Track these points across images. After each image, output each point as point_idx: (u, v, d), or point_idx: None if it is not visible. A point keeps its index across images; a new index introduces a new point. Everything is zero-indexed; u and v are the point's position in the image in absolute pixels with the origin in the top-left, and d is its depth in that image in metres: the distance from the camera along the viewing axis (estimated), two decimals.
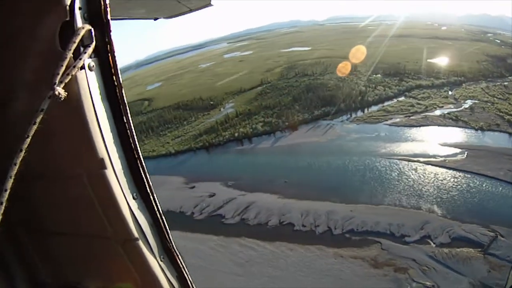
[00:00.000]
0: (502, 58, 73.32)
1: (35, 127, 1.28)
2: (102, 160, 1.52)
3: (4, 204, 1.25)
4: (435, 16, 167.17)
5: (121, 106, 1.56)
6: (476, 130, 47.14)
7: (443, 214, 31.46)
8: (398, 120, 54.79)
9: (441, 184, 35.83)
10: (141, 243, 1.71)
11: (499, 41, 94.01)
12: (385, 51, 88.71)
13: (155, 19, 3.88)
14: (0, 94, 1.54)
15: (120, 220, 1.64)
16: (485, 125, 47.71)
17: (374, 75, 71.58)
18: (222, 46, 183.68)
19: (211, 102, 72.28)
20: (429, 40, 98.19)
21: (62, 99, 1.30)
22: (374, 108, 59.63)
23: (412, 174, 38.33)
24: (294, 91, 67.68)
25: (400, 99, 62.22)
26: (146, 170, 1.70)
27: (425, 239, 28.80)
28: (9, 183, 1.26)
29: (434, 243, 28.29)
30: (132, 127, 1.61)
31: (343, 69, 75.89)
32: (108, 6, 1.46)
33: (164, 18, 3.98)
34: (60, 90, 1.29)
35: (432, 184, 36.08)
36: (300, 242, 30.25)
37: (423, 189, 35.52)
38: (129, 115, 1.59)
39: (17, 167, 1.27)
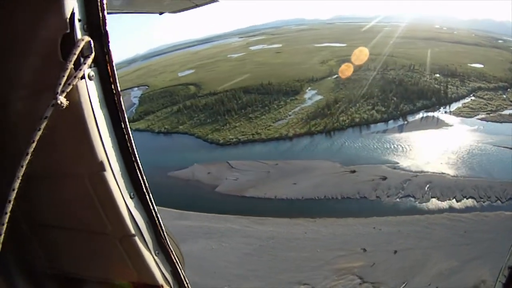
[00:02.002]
0: None
1: (39, 133, 1.37)
2: (101, 162, 1.62)
3: (12, 203, 1.35)
4: (440, 19, 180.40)
5: (119, 113, 1.65)
6: None
7: None
8: (483, 116, 59.94)
9: None
10: (137, 239, 1.82)
11: None
12: (420, 52, 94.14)
13: (161, 13, 3.93)
14: (5, 99, 1.61)
15: (118, 217, 1.74)
16: None
17: (434, 75, 76.77)
18: (236, 40, 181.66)
19: (292, 89, 70.68)
20: (452, 44, 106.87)
21: (64, 107, 1.38)
22: (457, 104, 64.22)
23: None
24: (375, 84, 69.61)
25: (472, 98, 67.88)
26: (142, 172, 1.81)
27: None
28: (17, 183, 1.36)
29: None
30: (130, 132, 1.71)
31: (401, 67, 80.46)
32: (106, 18, 1.54)
33: (170, 12, 4.01)
34: (62, 99, 1.37)
35: None
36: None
37: None
38: (126, 120, 1.69)
39: (24, 169, 1.37)
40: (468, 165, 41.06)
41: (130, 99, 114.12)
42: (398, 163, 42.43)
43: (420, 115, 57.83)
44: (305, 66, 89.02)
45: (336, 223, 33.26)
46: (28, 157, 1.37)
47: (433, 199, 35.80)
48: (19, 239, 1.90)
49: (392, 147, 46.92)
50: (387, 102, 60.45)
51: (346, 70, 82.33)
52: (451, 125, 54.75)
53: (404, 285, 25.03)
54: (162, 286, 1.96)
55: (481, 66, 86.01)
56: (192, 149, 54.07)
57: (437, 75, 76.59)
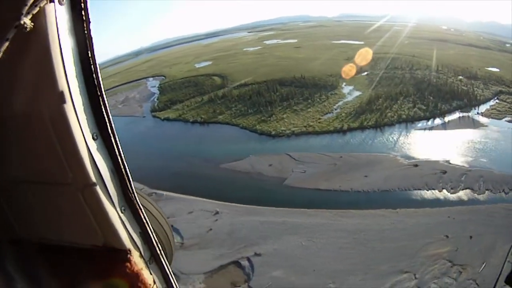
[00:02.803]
0: None
1: None
2: (62, 93, 1.44)
3: None
4: (444, 20, 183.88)
5: (87, 42, 1.53)
6: None
7: None
8: (510, 118, 63.51)
9: None
10: (100, 190, 1.59)
11: None
12: (438, 53, 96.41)
13: None
14: None
15: (79, 163, 1.54)
16: None
17: (458, 77, 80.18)
18: (245, 35, 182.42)
19: (328, 84, 71.69)
20: (464, 47, 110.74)
21: (27, 29, 1.29)
22: (485, 106, 67.48)
23: None
24: (407, 82, 71.90)
25: (496, 101, 71.44)
26: (108, 109, 1.59)
27: None
28: None
29: None
30: (97, 63, 1.56)
31: (426, 67, 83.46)
32: None
33: None
34: (26, 21, 1.28)
35: None
36: None
37: None
38: (94, 50, 1.57)
39: None
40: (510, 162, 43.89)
41: (147, 88, 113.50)
42: (451, 158, 44.63)
43: (457, 114, 60.51)
44: (331, 62, 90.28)
45: (417, 213, 34.90)
46: None
47: (487, 191, 38.42)
48: None
49: (442, 143, 49.13)
50: (425, 101, 62.76)
51: (373, 68, 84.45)
52: (486, 126, 57.83)
53: (483, 265, 27.49)
54: (130, 250, 1.71)
55: (497, 70, 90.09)
56: (240, 140, 53.93)
57: (460, 77, 79.91)
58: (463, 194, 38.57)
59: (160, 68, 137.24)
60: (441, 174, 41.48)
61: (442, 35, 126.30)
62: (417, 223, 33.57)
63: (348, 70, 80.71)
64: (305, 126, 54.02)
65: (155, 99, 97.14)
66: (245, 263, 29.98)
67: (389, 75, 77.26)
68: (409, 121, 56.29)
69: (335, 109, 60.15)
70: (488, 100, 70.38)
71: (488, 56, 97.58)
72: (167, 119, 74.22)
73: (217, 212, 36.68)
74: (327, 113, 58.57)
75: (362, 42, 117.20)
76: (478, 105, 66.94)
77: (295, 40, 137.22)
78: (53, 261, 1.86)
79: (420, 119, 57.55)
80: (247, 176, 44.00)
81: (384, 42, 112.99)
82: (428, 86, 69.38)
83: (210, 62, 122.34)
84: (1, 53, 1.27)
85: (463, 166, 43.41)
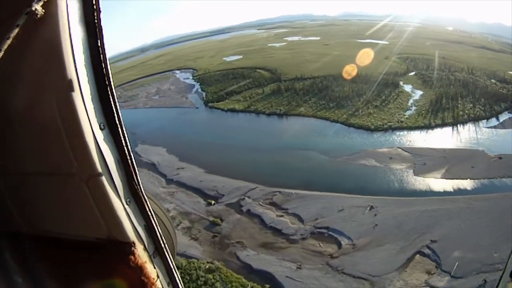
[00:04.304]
0: None
1: (9, 41, 1.28)
2: (70, 81, 1.45)
3: None
4: (448, 21, 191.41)
5: (97, 31, 1.53)
6: None
7: None
8: None
9: None
10: (105, 181, 1.58)
11: None
12: (463, 56, 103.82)
13: None
14: None
15: (85, 152, 1.53)
16: None
17: (490, 80, 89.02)
18: (256, 32, 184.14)
19: (388, 82, 76.20)
20: (481, 49, 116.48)
21: (38, 16, 1.30)
22: None
23: None
24: (455, 84, 78.58)
25: None
26: (116, 99, 1.61)
27: None
28: None
29: None
30: (106, 51, 1.56)
31: (460, 69, 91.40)
32: None
33: None
34: (37, 7, 1.29)
35: None
36: None
37: None
38: (104, 38, 1.56)
39: None
40: None
41: (180, 80, 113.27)
42: None
43: (508, 115, 68.09)
44: (373, 61, 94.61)
45: None
46: None
47: None
48: None
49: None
50: (479, 101, 69.78)
51: (415, 68, 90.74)
52: None
53: None
54: (134, 243, 1.69)
55: None
56: (340, 133, 56.39)
57: (493, 80, 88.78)
58: None
59: (183, 61, 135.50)
60: None
61: (457, 37, 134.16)
62: None
63: (396, 69, 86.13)
64: (397, 122, 57.97)
65: (199, 90, 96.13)
66: (427, 251, 32.10)
67: (435, 76, 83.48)
68: (476, 119, 62.15)
69: (410, 106, 64.83)
70: None
71: (505, 60, 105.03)
72: (233, 110, 74.18)
73: (371, 207, 38.45)
74: (407, 110, 62.99)
75: (387, 42, 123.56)
76: None
77: (318, 38, 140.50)
78: (55, 254, 1.83)
79: (483, 118, 63.90)
80: (375, 169, 46.21)
81: (407, 43, 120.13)
82: (476, 89, 76.69)
83: (240, 56, 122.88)
84: (11, 39, 1.28)
85: None
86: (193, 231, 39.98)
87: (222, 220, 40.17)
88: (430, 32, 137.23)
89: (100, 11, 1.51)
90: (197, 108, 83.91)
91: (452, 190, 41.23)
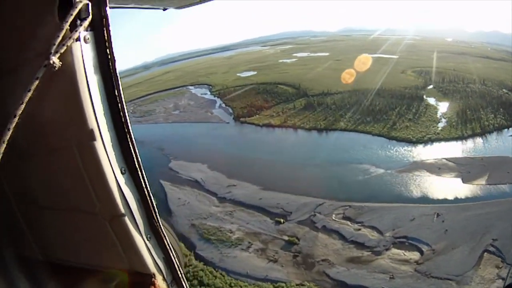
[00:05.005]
0: None
1: (29, 94, 1.33)
2: (91, 131, 1.54)
3: None
4: (446, 32, 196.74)
5: (113, 79, 1.60)
6: None
7: None
8: None
9: None
10: (127, 220, 1.70)
11: None
12: (472, 67, 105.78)
13: (164, 9, 3.91)
14: (1, 61, 1.61)
15: (108, 194, 1.64)
16: None
17: (502, 90, 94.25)
18: (261, 48, 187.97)
19: (411, 95, 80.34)
20: (485, 59, 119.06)
21: (56, 68, 1.36)
22: None
23: None
24: (473, 95, 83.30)
25: None
26: (135, 144, 1.70)
27: None
28: (2, 148, 1.31)
29: None
30: (123, 100, 1.63)
31: (472, 81, 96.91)
32: None
33: (174, 8, 4.00)
34: (55, 60, 1.35)
35: None
36: None
37: None
38: (120, 88, 1.63)
39: (10, 132, 1.33)
40: None
41: (198, 96, 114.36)
42: None
43: None
44: (388, 75, 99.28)
45: None
46: (16, 119, 1.33)
47: None
48: (10, 222, 1.90)
49: None
50: (498, 111, 74.46)
51: (431, 81, 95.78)
52: None
53: None
54: (154, 275, 1.83)
55: None
56: (386, 146, 59.93)
57: (504, 90, 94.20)
58: None
59: (194, 77, 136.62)
60: None
61: (459, 48, 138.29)
62: None
63: (414, 82, 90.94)
64: (433, 134, 61.66)
65: (223, 105, 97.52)
66: (492, 249, 35.85)
67: (453, 88, 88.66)
68: (499, 128, 66.79)
69: (440, 119, 68.76)
70: None
71: (508, 69, 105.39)
72: (268, 125, 76.08)
73: (438, 214, 41.55)
74: (438, 122, 66.93)
75: (396, 56, 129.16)
76: None
77: (327, 54, 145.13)
78: (71, 282, 1.92)
79: (505, 127, 68.36)
80: (429, 179, 49.95)
81: (416, 56, 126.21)
82: (492, 99, 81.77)
83: (254, 72, 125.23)
84: (32, 91, 1.33)
85: None
86: (268, 253, 39.60)
87: (298, 239, 40.13)
88: (433, 44, 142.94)
89: (115, 60, 1.58)
90: (228, 123, 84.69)
91: (497, 194, 45.16)
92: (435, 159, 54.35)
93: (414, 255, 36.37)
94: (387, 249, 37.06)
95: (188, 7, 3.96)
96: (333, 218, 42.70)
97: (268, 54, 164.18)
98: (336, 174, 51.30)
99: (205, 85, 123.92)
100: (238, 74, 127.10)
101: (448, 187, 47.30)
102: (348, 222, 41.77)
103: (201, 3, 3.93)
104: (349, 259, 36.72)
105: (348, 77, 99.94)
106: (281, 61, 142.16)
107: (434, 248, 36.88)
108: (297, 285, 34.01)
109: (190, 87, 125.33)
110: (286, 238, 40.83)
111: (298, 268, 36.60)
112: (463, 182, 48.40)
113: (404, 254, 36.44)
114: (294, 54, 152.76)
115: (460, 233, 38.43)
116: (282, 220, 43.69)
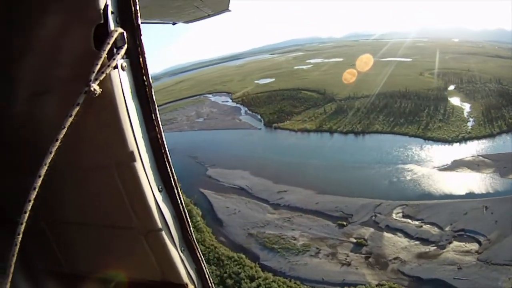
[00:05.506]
0: None
1: (70, 119, 1.41)
2: (131, 153, 1.64)
3: (37, 190, 1.38)
4: (450, 32, 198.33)
5: (150, 104, 1.69)
6: None
7: None
8: None
9: None
10: (163, 234, 1.81)
11: None
12: (484, 66, 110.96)
13: (174, 23, 4.07)
14: (40, 87, 1.72)
15: (145, 211, 1.75)
16: None
17: None
18: (272, 56, 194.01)
19: (436, 97, 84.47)
20: (496, 59, 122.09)
21: (96, 95, 1.45)
22: None
23: None
24: (492, 94, 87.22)
25: None
26: (171, 165, 1.82)
27: None
28: (43, 169, 1.39)
29: None
30: (160, 124, 1.74)
31: (489, 81, 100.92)
32: (138, 11, 1.58)
33: (183, 22, 4.14)
34: (95, 86, 1.43)
35: None
36: None
37: None
38: (158, 112, 1.73)
39: (52, 155, 1.41)
40: None
41: (219, 103, 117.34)
42: None
43: None
44: (408, 77, 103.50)
45: None
46: (57, 143, 1.41)
47: None
48: (38, 234, 1.97)
49: None
50: None
51: (451, 82, 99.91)
52: None
53: None
54: (187, 285, 1.95)
55: None
56: (424, 146, 63.60)
57: None
58: None
59: (210, 86, 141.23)
60: None
61: (468, 49, 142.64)
62: None
63: (435, 84, 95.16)
64: (465, 133, 65.76)
65: (249, 112, 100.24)
66: None
67: (472, 88, 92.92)
68: None
69: (468, 118, 72.87)
70: None
71: None
72: (304, 130, 79.52)
73: (486, 207, 44.78)
74: (467, 122, 71.02)
75: (410, 59, 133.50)
76: None
77: (341, 59, 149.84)
78: None
79: None
80: (471, 175, 53.54)
81: (429, 58, 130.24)
82: (511, 98, 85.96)
83: (272, 79, 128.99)
84: (73, 117, 1.41)
85: None
86: (340, 256, 40.18)
87: (366, 240, 41.27)
88: (442, 46, 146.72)
89: (151, 86, 1.68)
90: (259, 129, 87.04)
91: None
92: (472, 156, 58.39)
93: (474, 246, 39.19)
94: (449, 243, 39.67)
95: (196, 21, 4.15)
96: (394, 217, 44.65)
97: (281, 61, 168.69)
98: (384, 175, 55.09)
99: (224, 93, 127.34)
100: (256, 82, 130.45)
101: (489, 182, 51.53)
102: (409, 220, 43.94)
103: (209, 17, 4.08)
104: (418, 255, 38.67)
105: (369, 81, 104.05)
106: (296, 67, 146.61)
107: (490, 238, 39.53)
108: (376, 286, 35.01)
109: (208, 95, 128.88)
110: (353, 240, 41.95)
111: (373, 269, 37.77)
112: (501, 176, 52.56)
113: (465, 246, 39.64)
114: (308, 61, 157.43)
115: (508, 223, 41.90)
116: (345, 223, 44.65)
